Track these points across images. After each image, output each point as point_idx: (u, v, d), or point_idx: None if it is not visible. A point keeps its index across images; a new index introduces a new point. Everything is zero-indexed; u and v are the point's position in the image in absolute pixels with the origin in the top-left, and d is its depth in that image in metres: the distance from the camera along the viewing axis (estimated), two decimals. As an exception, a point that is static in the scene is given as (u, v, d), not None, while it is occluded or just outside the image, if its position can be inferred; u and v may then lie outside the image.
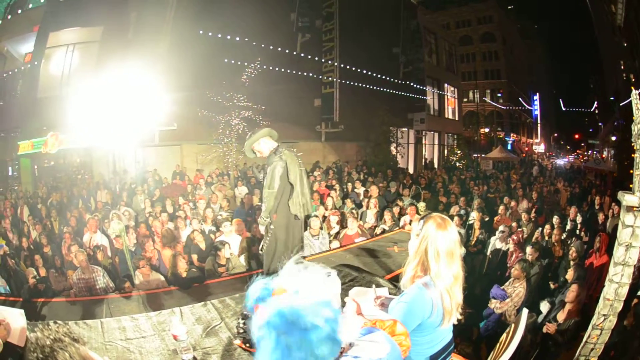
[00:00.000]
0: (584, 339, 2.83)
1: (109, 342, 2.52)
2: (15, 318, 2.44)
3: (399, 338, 1.32)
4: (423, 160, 17.52)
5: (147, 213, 7.15)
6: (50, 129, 11.93)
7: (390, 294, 2.19)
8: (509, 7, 29.52)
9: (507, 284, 4.29)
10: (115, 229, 6.24)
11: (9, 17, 15.60)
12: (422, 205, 7.23)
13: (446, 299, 1.66)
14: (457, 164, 16.52)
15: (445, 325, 1.71)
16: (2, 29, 14.81)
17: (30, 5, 16.25)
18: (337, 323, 0.95)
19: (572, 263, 4.45)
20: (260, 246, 3.67)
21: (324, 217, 6.16)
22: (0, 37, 14.83)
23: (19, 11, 15.46)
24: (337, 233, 5.67)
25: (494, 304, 4.16)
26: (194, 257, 5.32)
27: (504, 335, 2.17)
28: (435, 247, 1.67)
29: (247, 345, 2.29)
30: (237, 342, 2.40)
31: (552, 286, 4.54)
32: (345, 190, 9.14)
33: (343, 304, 1.69)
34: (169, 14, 12.34)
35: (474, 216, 6.40)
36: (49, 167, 13.11)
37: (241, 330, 2.42)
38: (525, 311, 2.21)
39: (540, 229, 5.77)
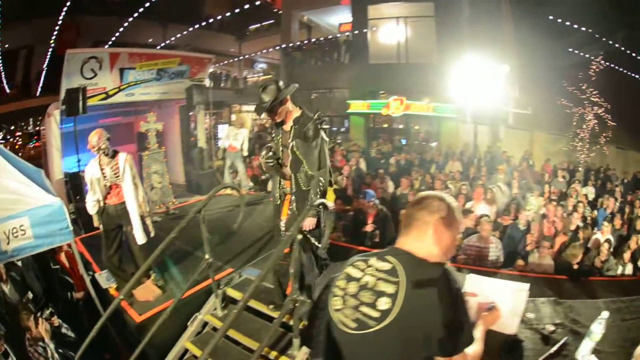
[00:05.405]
0: None
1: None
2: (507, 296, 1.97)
3: None
4: None
5: (513, 194, 7.11)
6: (388, 93, 12.80)
7: None
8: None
9: None
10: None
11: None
12: None
13: None
14: None
15: None
16: (294, 1, 15.91)
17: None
18: None
19: None
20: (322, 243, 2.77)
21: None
22: (297, 7, 16.01)
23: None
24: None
25: None
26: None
27: None
28: None
29: None
30: None
31: None
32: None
33: None
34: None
35: None
36: (379, 128, 14.17)
37: None
38: None
39: None
